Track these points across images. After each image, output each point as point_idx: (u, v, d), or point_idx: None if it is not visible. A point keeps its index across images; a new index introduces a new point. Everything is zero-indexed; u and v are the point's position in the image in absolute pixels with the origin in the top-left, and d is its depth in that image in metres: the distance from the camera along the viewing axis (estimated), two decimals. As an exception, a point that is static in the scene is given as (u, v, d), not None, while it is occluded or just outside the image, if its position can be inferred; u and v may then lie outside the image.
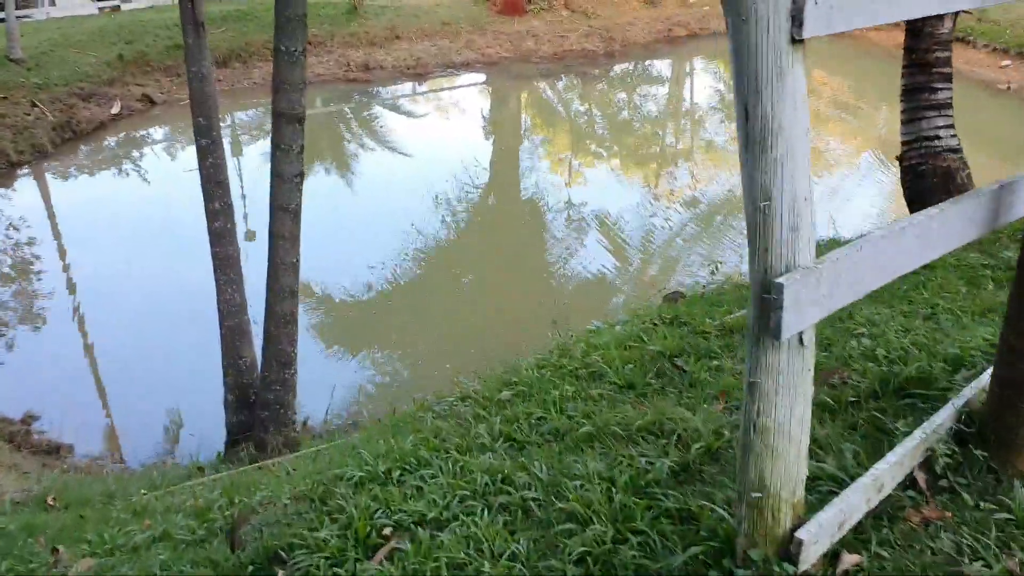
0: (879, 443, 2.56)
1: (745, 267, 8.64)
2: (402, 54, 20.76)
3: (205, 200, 6.04)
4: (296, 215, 5.32)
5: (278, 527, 2.81)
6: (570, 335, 4.58)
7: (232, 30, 19.04)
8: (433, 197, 13.76)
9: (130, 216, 12.99)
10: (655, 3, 25.28)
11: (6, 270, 11.67)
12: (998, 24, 22.09)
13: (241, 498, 3.38)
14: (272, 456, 5.76)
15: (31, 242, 12.32)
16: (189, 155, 14.24)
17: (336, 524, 2.66)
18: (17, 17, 17.30)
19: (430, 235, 12.80)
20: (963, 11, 5.03)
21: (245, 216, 13.04)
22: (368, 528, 2.58)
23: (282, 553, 2.62)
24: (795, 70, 1.83)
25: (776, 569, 2.00)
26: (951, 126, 6.33)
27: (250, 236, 12.26)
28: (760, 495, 2.01)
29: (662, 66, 23.51)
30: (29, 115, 15.07)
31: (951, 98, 6.42)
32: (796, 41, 1.82)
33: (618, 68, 22.72)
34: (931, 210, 2.27)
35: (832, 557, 2.12)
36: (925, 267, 3.99)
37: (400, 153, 16.44)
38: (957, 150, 6.28)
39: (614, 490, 2.48)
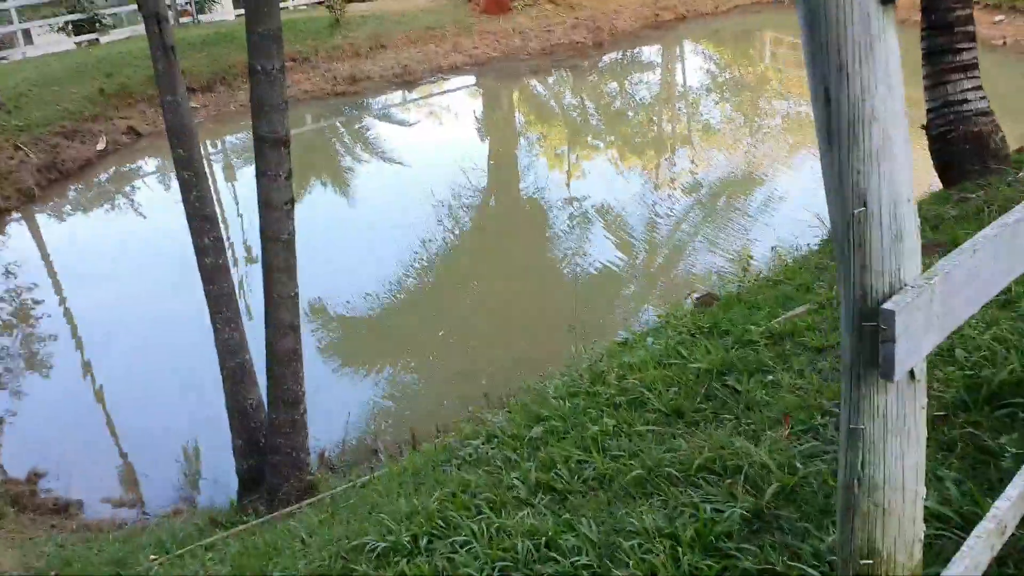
0: (983, 466, 2.18)
1: (763, 256, 8.28)
2: (389, 63, 20.41)
3: (193, 236, 5.68)
4: (290, 244, 4.95)
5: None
6: (597, 351, 4.20)
7: (214, 53, 18.68)
8: (433, 204, 13.46)
9: (127, 252, 12.70)
10: (640, -11, 24.88)
11: (6, 317, 11.36)
12: (989, -22, 21.67)
13: (252, 576, 3.03)
14: (287, 503, 5.42)
15: (29, 288, 12.03)
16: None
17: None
18: (-7, 59, 17.01)
19: (433, 243, 12.50)
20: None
21: (245, 241, 12.75)
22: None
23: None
24: (887, 38, 1.45)
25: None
26: (979, 88, 5.92)
27: (251, 260, 11.98)
28: (870, 562, 1.64)
29: (652, 52, 23.13)
30: (12, 159, 14.73)
31: (976, 59, 6.02)
32: (886, 1, 1.43)
33: (608, 58, 22.35)
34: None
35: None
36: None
37: (395, 163, 16.12)
38: (988, 113, 5.87)
39: (679, 549, 2.12)
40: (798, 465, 2.37)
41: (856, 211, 1.45)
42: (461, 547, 2.45)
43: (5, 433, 9.09)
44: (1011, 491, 1.92)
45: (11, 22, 19.61)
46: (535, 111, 19.84)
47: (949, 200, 5.22)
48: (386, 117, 19.09)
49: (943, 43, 5.92)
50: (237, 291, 6.06)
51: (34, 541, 6.79)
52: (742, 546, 2.09)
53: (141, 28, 21.53)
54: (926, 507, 2.04)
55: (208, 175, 5.73)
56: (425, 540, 2.55)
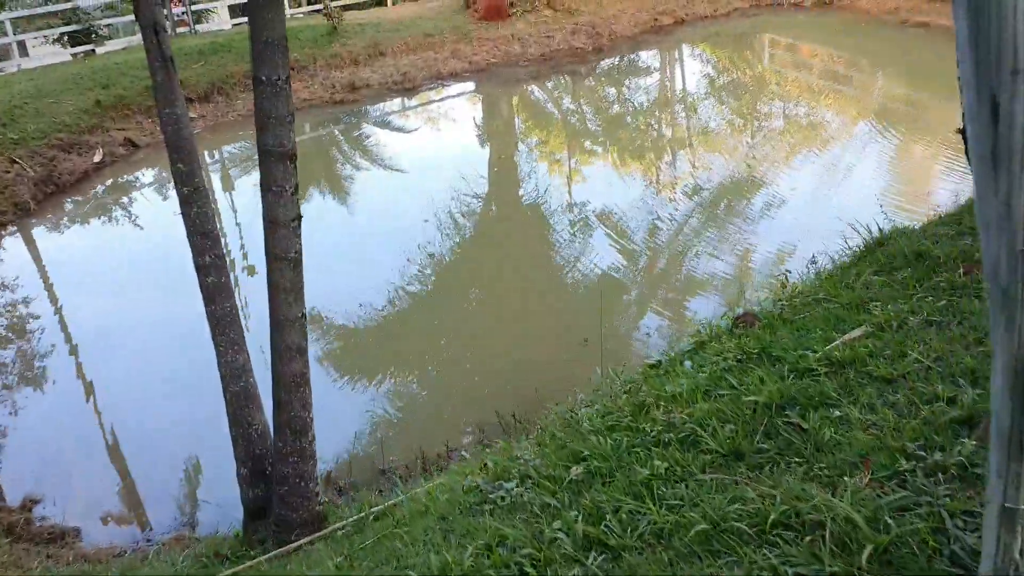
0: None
1: (790, 268, 8.00)
2: (388, 70, 20.19)
3: (193, 254, 5.41)
4: (297, 264, 4.68)
5: None
6: (629, 375, 3.91)
7: (211, 63, 18.44)
8: (434, 212, 13.26)
9: (124, 265, 12.54)
10: (639, -7, 24.71)
11: (2, 332, 11.11)
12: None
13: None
14: (295, 534, 5.14)
15: (26, 301, 11.80)
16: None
17: None
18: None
19: (433, 251, 12.30)
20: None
21: (242, 247, 12.54)
22: None
23: None
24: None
25: None
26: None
27: (250, 271, 11.77)
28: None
29: (651, 56, 22.93)
30: (8, 172, 14.48)
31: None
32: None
33: (608, 63, 22.17)
34: None
35: None
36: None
37: (395, 170, 15.94)
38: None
39: (761, 622, 1.85)
40: (889, 520, 2.10)
41: (1025, 247, 1.19)
42: (504, 615, 2.18)
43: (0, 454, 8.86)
44: None
45: (6, 34, 19.35)
46: (535, 117, 19.63)
47: None
48: (385, 124, 18.87)
49: None
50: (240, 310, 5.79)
51: (28, 575, 6.51)
52: (835, 619, 1.82)
53: (137, 39, 21.34)
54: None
55: (208, 190, 5.44)
56: (462, 605, 2.28)
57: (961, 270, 3.86)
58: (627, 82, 21.34)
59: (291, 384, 4.89)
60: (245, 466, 5.50)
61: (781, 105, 18.55)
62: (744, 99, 19.22)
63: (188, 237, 5.40)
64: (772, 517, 2.24)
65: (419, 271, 11.90)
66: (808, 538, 2.12)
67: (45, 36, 21.28)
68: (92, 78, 17.34)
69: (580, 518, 2.54)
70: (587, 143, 17.59)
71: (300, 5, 25.44)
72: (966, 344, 3.14)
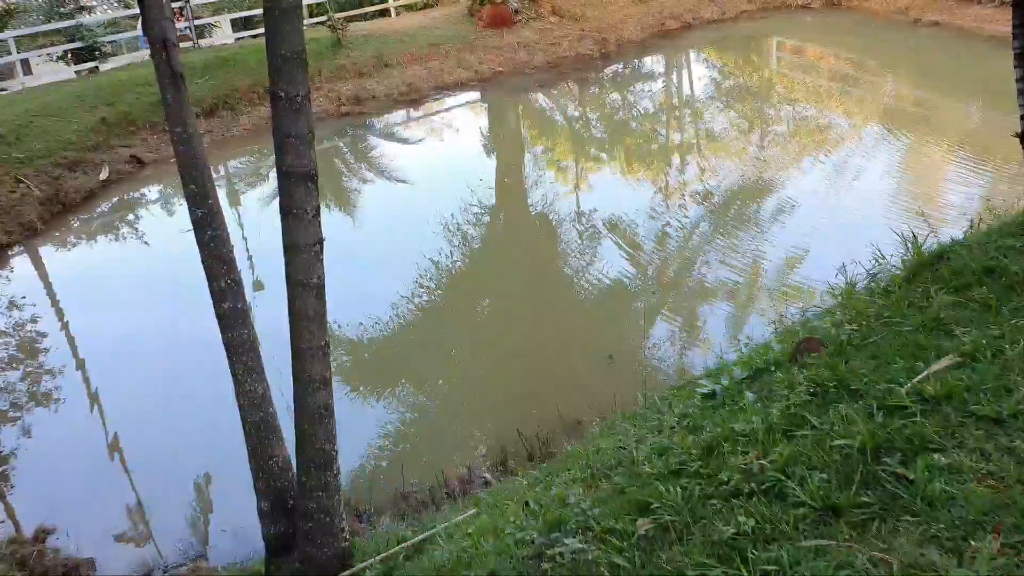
0: None
1: (814, 276, 7.75)
2: (393, 81, 20.00)
3: (208, 280, 5.15)
4: (320, 290, 4.42)
5: None
6: (680, 406, 3.63)
7: (216, 78, 18.26)
8: (442, 223, 13.06)
9: (133, 283, 12.42)
10: (644, -1, 24.51)
11: (12, 352, 10.92)
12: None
13: None
14: (319, 573, 4.87)
15: (34, 320, 11.64)
16: (187, 211, 13.46)
17: None
18: (-9, 91, 16.58)
19: (445, 263, 12.09)
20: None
21: (250, 259, 12.36)
22: None
23: None
24: None
25: None
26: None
27: (258, 286, 11.60)
28: None
29: (659, 61, 22.71)
30: (15, 192, 14.29)
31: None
32: None
33: (615, 69, 21.96)
34: None
35: None
36: None
37: (402, 182, 15.74)
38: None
39: None
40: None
41: None
42: None
43: (12, 481, 8.66)
44: None
45: (9, 52, 19.18)
46: (542, 125, 19.40)
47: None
48: (391, 136, 18.69)
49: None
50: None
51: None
52: None
53: (141, 55, 21.18)
54: None
55: (223, 212, 5.19)
56: None
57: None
58: (635, 88, 21.13)
59: (315, 416, 4.63)
60: (266, 500, 5.24)
61: (790, 109, 18.32)
62: (750, 103, 19.00)
63: (202, 262, 5.15)
64: (894, 592, 1.97)
65: (429, 283, 11.70)
66: (937, 616, 1.86)
67: (49, 54, 21.14)
68: (96, 95, 17.17)
69: (661, 585, 2.27)
70: (595, 151, 17.37)
71: (303, 18, 25.25)
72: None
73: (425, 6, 26.04)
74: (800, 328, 5.63)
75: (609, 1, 24.00)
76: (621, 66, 22.08)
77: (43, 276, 13.14)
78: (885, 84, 19.34)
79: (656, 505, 2.72)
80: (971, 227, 8.77)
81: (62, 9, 20.56)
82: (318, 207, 4.29)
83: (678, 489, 2.75)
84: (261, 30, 22.96)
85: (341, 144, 18.07)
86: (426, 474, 8.26)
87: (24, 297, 12.28)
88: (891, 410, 2.87)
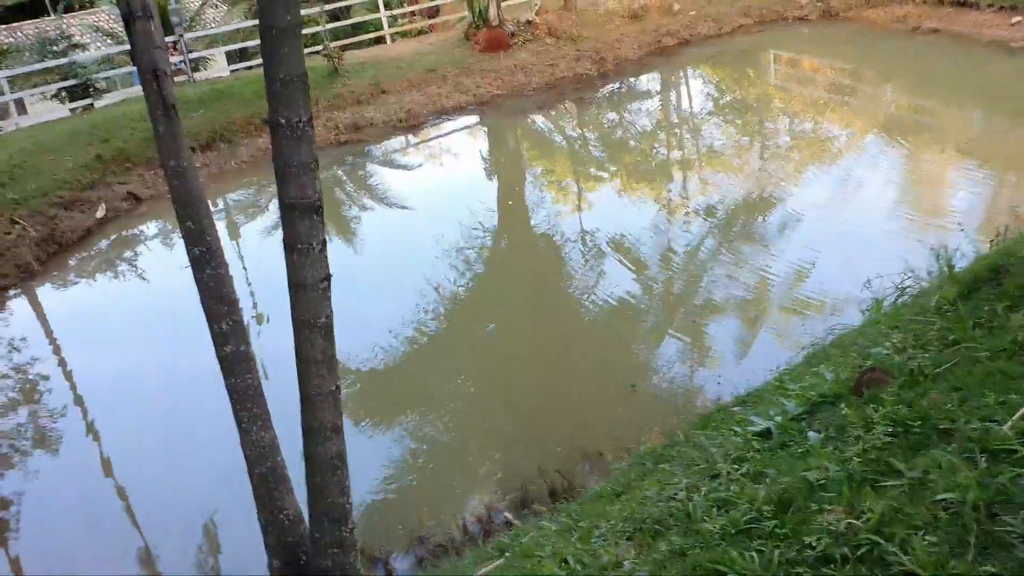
0: None
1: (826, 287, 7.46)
2: (391, 108, 19.79)
3: (209, 321, 4.84)
4: (328, 330, 4.10)
5: None
6: (728, 443, 3.28)
7: (212, 110, 18.04)
8: (444, 249, 12.83)
9: (134, 321, 12.16)
10: (639, 17, 24.35)
11: (12, 395, 10.65)
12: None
13: None
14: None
15: (33, 361, 11.41)
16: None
17: None
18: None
19: (449, 288, 11.83)
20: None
21: (251, 295, 12.13)
22: None
23: None
24: None
25: None
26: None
27: (260, 320, 11.36)
28: None
29: (657, 79, 22.53)
30: (10, 234, 14.00)
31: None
32: None
33: (614, 88, 21.76)
34: None
35: None
36: None
37: (402, 208, 15.52)
38: None
39: None
40: None
41: None
42: None
43: (12, 526, 8.38)
44: None
45: (3, 93, 18.99)
46: (543, 147, 19.18)
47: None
48: (390, 163, 18.48)
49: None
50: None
51: None
52: None
53: (134, 90, 20.99)
54: None
55: (223, 249, 4.89)
56: None
57: None
58: (634, 106, 20.93)
59: (326, 467, 4.29)
60: (277, 557, 4.89)
61: (789, 122, 18.11)
62: (749, 117, 18.81)
63: (202, 302, 4.85)
64: None
65: (433, 309, 11.43)
66: None
67: (43, 92, 20.94)
68: (91, 132, 16.93)
69: None
70: (596, 170, 17.14)
71: (298, 47, 25.12)
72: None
73: (420, 33, 25.91)
74: (836, 349, 5.29)
75: (605, 20, 23.85)
76: (619, 85, 21.89)
77: (41, 318, 12.84)
78: (884, 93, 19.14)
79: (728, 574, 2.36)
80: (998, 235, 8.50)
81: (55, 48, 20.37)
82: (324, 241, 3.98)
83: (753, 554, 2.40)
84: (256, 61, 22.92)
85: (340, 172, 17.82)
86: (442, 512, 7.91)
87: (24, 339, 12.03)
88: (995, 454, 2.51)
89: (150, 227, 15.64)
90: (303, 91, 3.70)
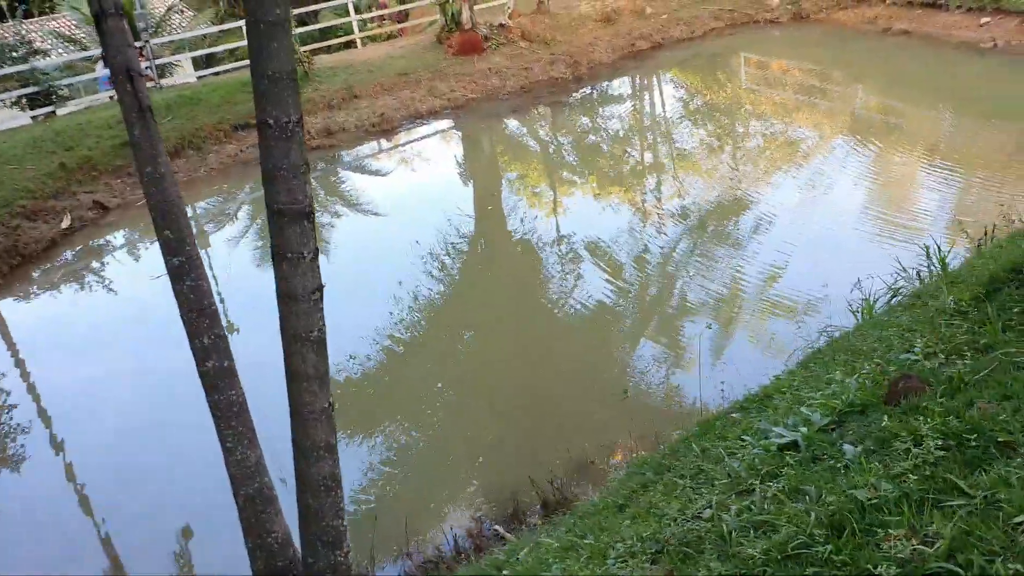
0: None
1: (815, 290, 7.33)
2: (364, 112, 19.51)
3: (189, 336, 4.58)
4: (321, 344, 3.87)
5: None
6: (749, 457, 3.08)
7: (181, 116, 17.66)
8: (420, 255, 12.66)
9: (102, 333, 11.79)
10: (612, 20, 24.29)
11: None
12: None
13: None
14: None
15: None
16: (155, 257, 12.98)
17: None
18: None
19: (426, 294, 11.62)
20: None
21: (221, 299, 11.83)
22: None
23: None
24: None
25: None
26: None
27: (230, 329, 11.08)
28: None
29: (631, 82, 22.48)
30: (-30, 246, 13.55)
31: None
32: None
33: (588, 91, 21.67)
34: None
35: None
36: None
37: (375, 214, 15.29)
38: None
39: None
40: None
41: None
42: None
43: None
44: None
45: (-40, 101, 18.46)
46: (518, 151, 19.02)
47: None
48: (362, 168, 18.21)
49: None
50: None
51: None
52: None
53: (98, 97, 20.52)
54: None
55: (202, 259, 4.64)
56: None
57: None
58: (609, 110, 20.85)
59: (320, 488, 4.05)
60: (265, 583, 4.63)
61: (761, 124, 18.12)
62: (721, 120, 18.83)
63: (182, 316, 4.59)
64: None
65: (410, 316, 11.23)
66: None
67: (2, 100, 20.37)
68: (55, 140, 16.47)
69: None
70: (571, 174, 17.02)
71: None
72: None
73: (389, 37, 25.65)
74: (843, 354, 5.13)
75: (579, 24, 23.76)
76: (594, 88, 21.81)
77: (3, 331, 12.41)
78: (855, 94, 19.22)
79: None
80: (986, 234, 8.44)
81: (14, 54, 19.81)
82: (316, 249, 3.75)
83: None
84: (224, 67, 22.47)
85: (311, 179, 17.51)
86: (428, 526, 7.69)
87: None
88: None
89: (118, 237, 15.24)
90: (292, 89, 3.47)
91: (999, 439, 2.54)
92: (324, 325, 3.85)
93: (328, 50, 23.74)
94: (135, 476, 8.53)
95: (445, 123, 19.98)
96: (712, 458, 3.90)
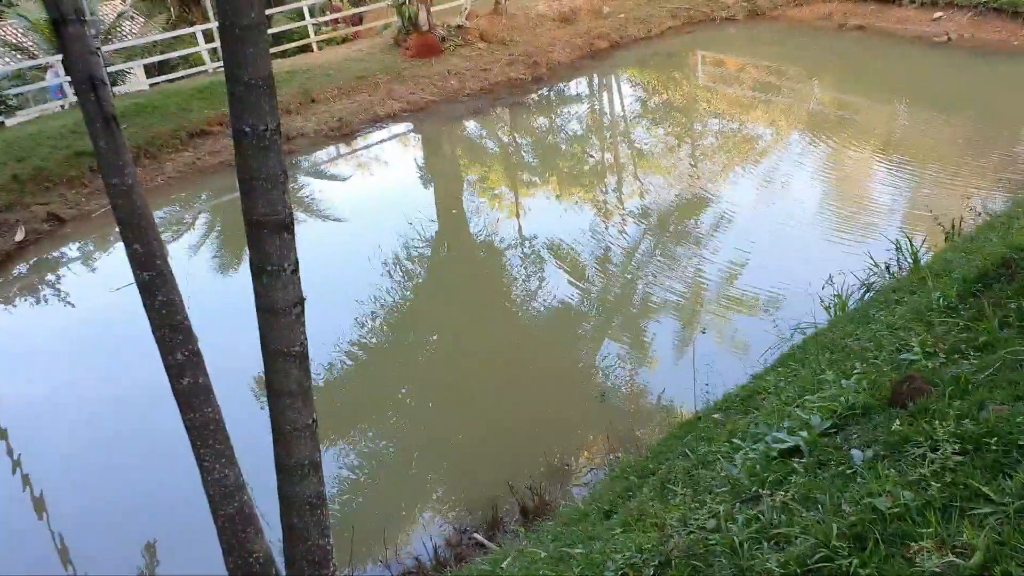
0: None
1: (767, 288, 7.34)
2: (322, 117, 19.29)
3: (162, 353, 4.42)
4: (303, 359, 3.74)
5: None
6: (749, 463, 3.01)
7: (135, 125, 17.26)
8: (382, 259, 12.50)
9: (59, 347, 11.43)
10: (570, 20, 24.29)
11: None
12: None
13: None
14: None
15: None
16: (114, 269, 12.67)
17: None
18: None
19: (390, 300, 11.49)
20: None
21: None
22: None
23: None
24: None
25: None
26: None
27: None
28: None
29: (591, 82, 22.51)
30: (-82, 262, 13.10)
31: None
32: None
33: (548, 92, 21.65)
34: None
35: None
36: None
37: (335, 220, 15.10)
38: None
39: None
40: None
41: None
42: None
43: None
44: None
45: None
46: (478, 153, 18.94)
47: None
48: (324, 174, 18.00)
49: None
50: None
51: None
52: None
53: (49, 107, 20.02)
54: None
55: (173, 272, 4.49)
56: None
57: None
58: (568, 109, 20.86)
59: (305, 507, 3.92)
60: (248, 606, 4.48)
61: (719, 122, 18.26)
62: (679, 119, 18.94)
63: (153, 332, 4.42)
64: None
65: (374, 322, 11.10)
66: None
67: (-52, 111, 19.79)
68: (6, 151, 16.01)
69: None
70: (532, 176, 16.97)
71: (220, 59, 24.35)
72: None
73: (345, 40, 25.39)
74: (828, 352, 5.11)
75: (537, 24, 23.72)
76: (553, 89, 21.79)
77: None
78: (811, 91, 19.43)
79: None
80: (953, 227, 8.53)
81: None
82: (297, 261, 3.62)
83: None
84: (177, 74, 22.03)
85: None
86: (408, 534, 7.58)
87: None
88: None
89: (74, 249, 14.85)
90: (270, 95, 3.34)
91: (1019, 442, 2.50)
92: (306, 339, 3.73)
93: (284, 55, 23.43)
94: (96, 492, 8.29)
95: (404, 126, 19.82)
96: (703, 462, 3.84)
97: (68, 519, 8.11)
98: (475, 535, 7.27)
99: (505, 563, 5.23)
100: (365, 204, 16.05)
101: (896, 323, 4.42)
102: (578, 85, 22.26)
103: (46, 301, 13.26)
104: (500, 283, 12.13)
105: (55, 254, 14.57)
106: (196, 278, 13.11)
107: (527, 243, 13.04)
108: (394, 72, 21.07)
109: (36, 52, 23.85)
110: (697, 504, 3.24)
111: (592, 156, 17.54)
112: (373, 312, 11.24)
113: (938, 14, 20.63)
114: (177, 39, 23.42)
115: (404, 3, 21.79)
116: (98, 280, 13.47)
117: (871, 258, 8.06)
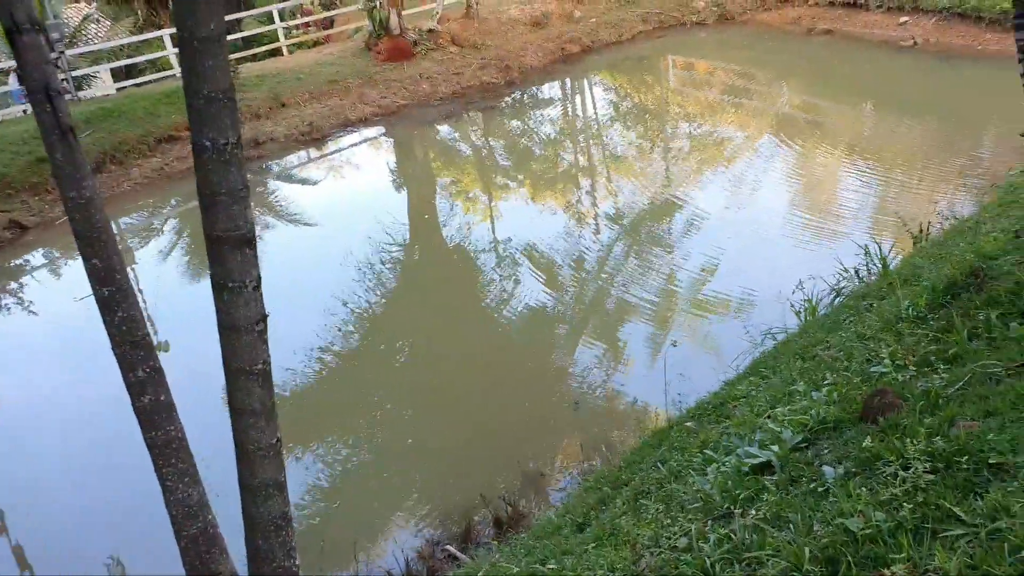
0: None
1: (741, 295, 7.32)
2: (293, 121, 19.11)
3: (123, 370, 4.32)
4: (266, 377, 3.64)
5: None
6: (720, 479, 2.97)
7: (102, 130, 17.01)
8: (353, 265, 12.41)
9: (23, 357, 11.20)
10: (542, 24, 24.29)
11: None
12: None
13: None
14: None
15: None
16: (79, 277, 12.42)
17: None
18: None
19: (361, 305, 11.39)
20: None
21: (151, 322, 11.38)
22: None
23: None
24: None
25: None
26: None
27: (162, 347, 10.64)
28: None
29: (562, 86, 22.51)
30: None
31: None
32: None
33: (520, 96, 21.63)
34: None
35: None
36: None
37: (306, 224, 14.98)
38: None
39: None
40: None
41: None
42: None
43: None
44: None
45: None
46: (451, 156, 18.86)
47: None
48: (293, 178, 17.84)
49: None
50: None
51: None
52: None
53: (11, 111, 19.64)
54: None
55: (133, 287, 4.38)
56: None
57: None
58: (541, 113, 20.84)
59: (270, 529, 3.83)
60: (213, 628, 4.38)
61: (689, 126, 18.33)
62: (651, 122, 19.02)
63: (113, 349, 4.33)
64: None
65: (345, 328, 10.99)
66: None
67: (-94, 116, 19.40)
68: (-35, 158, 15.72)
69: None
70: (508, 178, 16.93)
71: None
72: None
73: (315, 44, 25.20)
74: (800, 361, 5.10)
75: (508, 28, 23.69)
76: (526, 93, 21.77)
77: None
78: (780, 94, 19.57)
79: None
80: (921, 231, 8.57)
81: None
82: (259, 277, 3.52)
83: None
84: (144, 79, 21.73)
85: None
86: (379, 546, 7.48)
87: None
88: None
89: (37, 256, 14.60)
90: (231, 108, 3.25)
91: (990, 460, 2.47)
92: (269, 357, 3.63)
93: (254, 58, 23.21)
94: (58, 509, 8.10)
95: (376, 130, 19.71)
96: (675, 474, 3.80)
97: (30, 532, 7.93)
98: (448, 547, 7.19)
99: (481, 577, 5.16)
100: (336, 208, 15.93)
101: (866, 332, 4.41)
102: (550, 89, 22.25)
103: (7, 310, 13.01)
104: (473, 287, 12.07)
105: (17, 262, 14.32)
106: (166, 282, 12.95)
107: (500, 246, 12.99)
108: (365, 76, 20.95)
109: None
110: (669, 520, 3.20)
111: (565, 159, 17.53)
112: (344, 317, 11.14)
113: (904, 19, 20.86)
114: (145, 43, 23.11)
115: (375, 7, 21.66)
116: (62, 288, 13.23)
117: (840, 263, 8.08)
